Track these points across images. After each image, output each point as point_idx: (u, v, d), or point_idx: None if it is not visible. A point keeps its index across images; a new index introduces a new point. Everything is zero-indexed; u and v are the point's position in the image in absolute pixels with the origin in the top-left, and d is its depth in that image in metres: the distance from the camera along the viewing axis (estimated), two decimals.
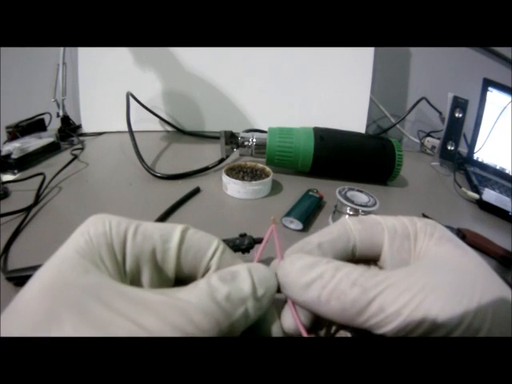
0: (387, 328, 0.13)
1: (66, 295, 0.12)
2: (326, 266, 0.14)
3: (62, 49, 0.62)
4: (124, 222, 0.15)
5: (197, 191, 0.42)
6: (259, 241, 0.27)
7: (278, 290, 0.16)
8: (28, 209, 0.34)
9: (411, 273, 0.14)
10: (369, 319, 0.13)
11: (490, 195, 0.48)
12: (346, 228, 0.17)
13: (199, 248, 0.15)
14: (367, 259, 0.18)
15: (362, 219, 0.18)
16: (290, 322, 0.15)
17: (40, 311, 0.11)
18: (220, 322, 0.12)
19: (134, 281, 0.14)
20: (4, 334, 0.11)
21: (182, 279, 0.16)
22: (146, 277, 0.14)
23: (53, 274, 0.12)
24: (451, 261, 0.15)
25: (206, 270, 0.15)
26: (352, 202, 0.34)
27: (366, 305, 0.13)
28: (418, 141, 0.74)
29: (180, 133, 0.67)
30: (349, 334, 0.16)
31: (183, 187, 0.42)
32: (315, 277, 0.14)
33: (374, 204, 0.34)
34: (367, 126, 0.72)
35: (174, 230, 0.15)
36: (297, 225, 0.35)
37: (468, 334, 0.12)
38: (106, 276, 0.13)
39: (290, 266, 0.15)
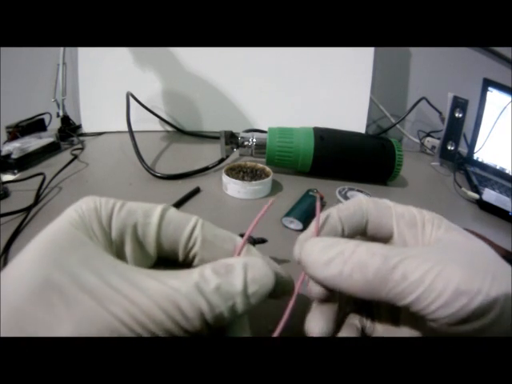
0: (411, 297, 0.13)
1: (63, 263, 0.12)
2: (347, 245, 0.15)
3: (61, 49, 0.62)
4: (112, 200, 0.16)
5: (197, 191, 0.42)
6: (259, 241, 0.27)
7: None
8: (28, 209, 0.34)
9: (426, 250, 0.15)
10: (392, 288, 0.13)
11: (489, 195, 0.48)
12: (360, 205, 0.18)
13: (178, 224, 0.16)
14: (377, 239, 0.19)
15: (375, 200, 0.19)
16: (314, 325, 0.16)
17: (37, 278, 0.12)
18: (205, 312, 0.12)
19: (119, 252, 0.15)
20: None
21: (163, 256, 0.16)
22: (128, 250, 0.15)
23: (49, 244, 0.13)
24: (462, 245, 0.16)
25: (187, 246, 0.16)
26: None
27: (389, 273, 0.13)
28: (418, 141, 0.74)
29: (180, 133, 0.67)
30: (357, 320, 0.17)
31: (183, 187, 0.42)
32: (336, 253, 0.14)
33: None
34: (367, 126, 0.72)
35: (155, 208, 0.16)
36: (297, 225, 0.35)
37: (486, 303, 0.12)
38: (101, 249, 0.14)
39: (312, 247, 0.16)
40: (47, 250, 0.13)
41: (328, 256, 0.15)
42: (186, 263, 0.16)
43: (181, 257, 0.16)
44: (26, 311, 0.11)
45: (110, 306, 0.11)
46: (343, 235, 0.18)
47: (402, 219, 0.18)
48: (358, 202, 0.19)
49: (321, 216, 0.18)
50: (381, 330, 0.18)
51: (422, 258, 0.14)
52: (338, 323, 0.17)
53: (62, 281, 0.12)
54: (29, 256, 0.13)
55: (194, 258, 0.16)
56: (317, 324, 0.16)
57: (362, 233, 0.18)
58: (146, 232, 0.15)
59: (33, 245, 0.13)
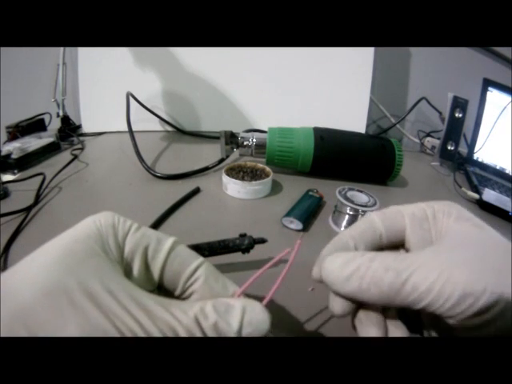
0: (422, 304, 0.15)
1: (76, 271, 0.13)
2: (362, 259, 0.16)
3: (61, 49, 0.62)
4: (129, 221, 0.17)
5: (197, 191, 0.42)
6: (259, 241, 0.27)
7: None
8: (28, 209, 0.34)
9: (436, 252, 0.16)
10: (405, 298, 0.15)
11: (489, 195, 0.48)
12: (370, 220, 0.20)
13: (185, 258, 0.17)
14: (395, 245, 0.20)
15: (384, 210, 0.20)
16: (338, 307, 0.17)
17: (49, 281, 0.12)
18: None
19: (127, 270, 0.16)
20: (8, 291, 0.12)
21: (163, 285, 0.17)
22: (135, 269, 0.16)
23: (65, 251, 0.14)
24: (471, 238, 0.16)
25: (187, 282, 0.16)
26: (352, 201, 0.34)
27: (401, 286, 0.15)
28: (418, 141, 0.74)
29: (180, 133, 0.67)
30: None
31: (183, 187, 0.42)
32: (353, 270, 0.16)
33: (374, 204, 0.34)
34: (367, 126, 0.72)
35: (168, 238, 0.17)
36: (297, 225, 0.35)
37: (492, 300, 0.14)
38: (114, 263, 0.15)
39: (330, 265, 0.17)
40: (62, 256, 0.13)
41: (346, 272, 0.16)
42: (182, 298, 0.17)
43: (179, 290, 0.16)
44: (34, 310, 0.12)
45: (114, 320, 0.12)
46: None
47: (413, 217, 0.19)
48: (367, 219, 0.20)
49: (333, 240, 0.20)
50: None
51: (430, 266, 0.15)
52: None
53: (73, 287, 0.12)
54: (43, 259, 0.13)
55: (191, 294, 0.16)
56: (338, 304, 0.17)
57: (378, 246, 0.19)
58: (155, 256, 0.16)
59: (48, 249, 0.14)
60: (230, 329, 0.14)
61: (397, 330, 0.17)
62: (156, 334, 0.12)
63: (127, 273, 0.16)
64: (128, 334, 0.12)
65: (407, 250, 0.20)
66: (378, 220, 0.20)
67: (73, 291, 0.12)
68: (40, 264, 0.13)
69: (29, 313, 0.11)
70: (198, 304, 0.14)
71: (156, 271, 0.16)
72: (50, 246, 0.14)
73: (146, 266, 0.16)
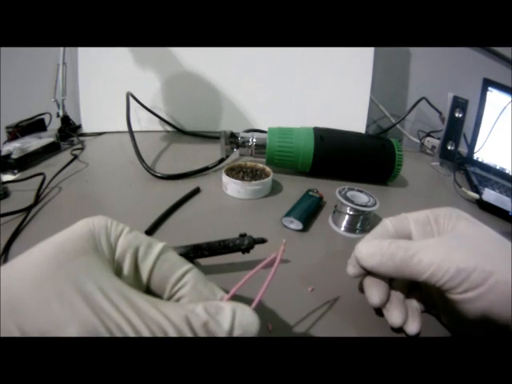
0: (426, 274, 0.19)
1: (66, 267, 0.13)
2: (383, 243, 0.21)
3: (61, 49, 0.62)
4: (122, 224, 0.17)
5: (197, 191, 0.42)
6: (259, 241, 0.27)
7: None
8: (28, 209, 0.34)
9: (439, 239, 0.20)
10: (413, 269, 0.19)
11: (489, 195, 0.47)
12: (384, 225, 0.24)
13: (174, 263, 0.17)
14: None
15: (395, 218, 0.25)
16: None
17: (39, 275, 0.13)
18: None
19: (118, 269, 0.16)
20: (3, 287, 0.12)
21: (151, 289, 0.17)
22: (125, 269, 0.16)
23: (55, 249, 0.14)
24: (468, 232, 0.20)
25: (175, 286, 0.16)
26: (352, 202, 0.34)
27: (409, 259, 0.19)
28: (418, 141, 0.74)
29: (180, 133, 0.67)
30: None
31: (183, 187, 0.42)
32: (377, 249, 0.21)
33: (374, 204, 0.34)
34: (367, 126, 0.72)
35: (159, 242, 0.17)
36: (297, 225, 0.35)
37: (483, 275, 0.17)
38: (105, 262, 0.15)
39: (361, 245, 0.22)
40: (54, 253, 0.14)
41: (372, 251, 0.21)
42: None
43: (167, 295, 0.16)
44: (22, 301, 0.12)
45: (103, 316, 0.12)
46: None
47: (417, 222, 0.23)
48: (382, 225, 0.25)
49: (361, 241, 0.24)
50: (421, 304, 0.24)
51: (433, 247, 0.19)
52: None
53: (62, 281, 0.12)
54: (35, 256, 0.14)
55: (179, 299, 0.16)
56: (372, 291, 0.22)
57: None
58: (144, 259, 0.16)
59: (41, 247, 0.14)
60: (221, 329, 0.14)
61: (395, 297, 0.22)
62: (145, 332, 0.12)
63: (117, 273, 0.16)
64: (116, 331, 0.12)
65: None
66: (390, 224, 0.24)
67: (61, 285, 0.12)
68: (32, 260, 0.13)
69: (16, 304, 0.12)
70: (189, 305, 0.14)
71: (145, 273, 0.16)
72: (44, 243, 0.15)
73: (136, 268, 0.16)
